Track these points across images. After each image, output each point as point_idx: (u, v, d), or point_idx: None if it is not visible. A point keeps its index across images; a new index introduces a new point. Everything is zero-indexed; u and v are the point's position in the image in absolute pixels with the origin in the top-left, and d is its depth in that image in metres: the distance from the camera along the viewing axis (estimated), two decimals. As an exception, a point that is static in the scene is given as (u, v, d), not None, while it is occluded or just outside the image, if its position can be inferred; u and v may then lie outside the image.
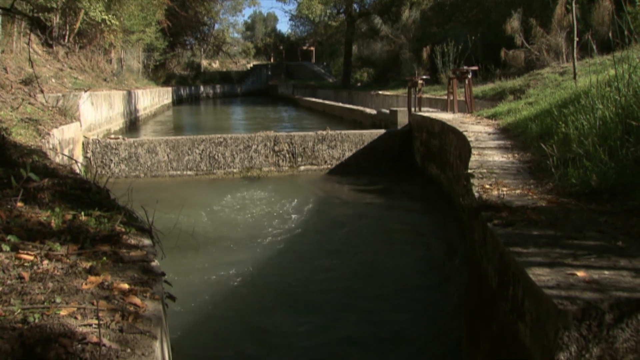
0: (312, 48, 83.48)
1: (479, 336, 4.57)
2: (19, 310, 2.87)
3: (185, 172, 15.66)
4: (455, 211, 11.11)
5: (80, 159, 14.43)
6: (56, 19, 25.20)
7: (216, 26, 68.20)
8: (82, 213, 4.71)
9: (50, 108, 14.47)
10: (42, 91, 15.23)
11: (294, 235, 10.40)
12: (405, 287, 8.12)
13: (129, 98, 28.08)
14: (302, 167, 16.21)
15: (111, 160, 15.29)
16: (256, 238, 10.15)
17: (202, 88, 63.28)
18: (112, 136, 16.91)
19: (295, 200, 12.82)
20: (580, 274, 3.28)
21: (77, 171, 8.51)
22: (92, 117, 19.19)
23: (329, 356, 6.27)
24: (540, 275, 3.25)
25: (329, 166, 16.34)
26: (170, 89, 47.57)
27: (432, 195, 13.45)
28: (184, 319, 6.78)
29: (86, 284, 3.31)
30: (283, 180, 15.49)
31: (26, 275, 3.37)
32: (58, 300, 3.05)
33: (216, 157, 15.74)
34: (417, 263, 9.20)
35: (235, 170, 15.89)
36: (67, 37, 26.45)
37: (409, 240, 10.35)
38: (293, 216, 11.63)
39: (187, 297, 7.15)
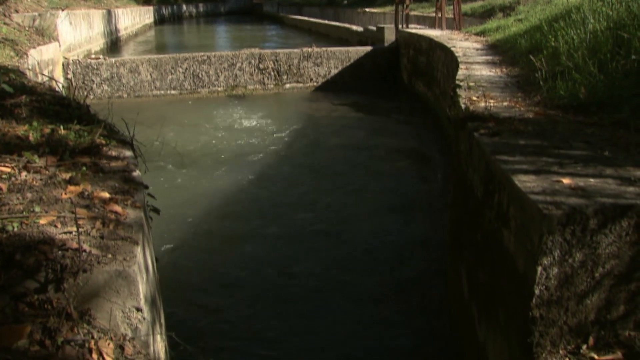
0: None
1: (463, 246, 4.60)
2: (-3, 220, 2.82)
3: (168, 92, 15.41)
4: (442, 128, 11.07)
5: (61, 80, 14.11)
6: None
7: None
8: (61, 127, 4.60)
9: (26, 28, 14.00)
10: (17, 11, 14.72)
11: (279, 154, 10.36)
12: (390, 203, 8.16)
13: (109, 17, 27.31)
14: (287, 85, 16.00)
15: (93, 81, 14.98)
16: (240, 157, 10.10)
17: (184, 7, 61.68)
18: (93, 56, 16.50)
19: (281, 119, 12.71)
20: (566, 181, 3.26)
21: (57, 90, 8.31)
22: (71, 38, 18.66)
23: (310, 266, 6.34)
24: (525, 182, 3.22)
25: (315, 84, 16.13)
26: (151, 8, 46.31)
27: (419, 112, 13.37)
28: (168, 233, 6.79)
29: (66, 193, 3.24)
30: (268, 98, 15.31)
31: (4, 186, 3.29)
32: (37, 209, 2.99)
33: (200, 75, 15.47)
34: (403, 179, 9.22)
35: (219, 89, 15.66)
36: (41, -49, 25.37)
37: (395, 157, 10.35)
38: (278, 135, 11.55)
39: (171, 212, 7.15)
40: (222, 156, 10.10)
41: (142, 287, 2.68)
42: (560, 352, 3.13)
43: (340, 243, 6.93)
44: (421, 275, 6.28)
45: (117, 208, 3.05)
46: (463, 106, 5.10)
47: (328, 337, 5.32)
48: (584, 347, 3.15)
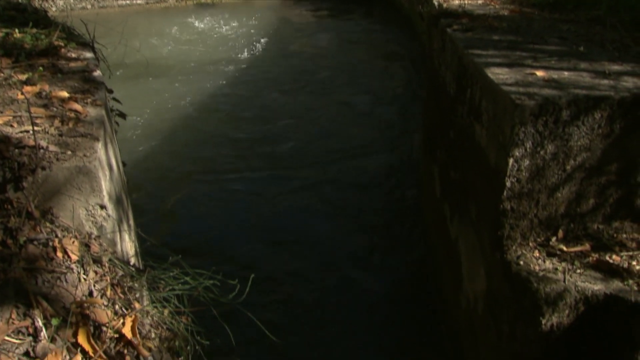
0: None
1: (437, 146, 4.57)
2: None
3: (135, 1, 14.83)
4: (415, 33, 10.86)
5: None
6: None
7: None
8: (17, 30, 4.37)
9: None
10: None
11: (249, 62, 10.11)
12: (363, 107, 8.06)
13: None
14: (258, -7, 15.48)
15: (54, -11, 14.32)
16: (209, 65, 9.84)
17: None
18: (53, -38, 15.70)
19: (251, 27, 12.35)
20: (540, 73, 3.19)
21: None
22: (28, -58, 17.69)
23: (275, 161, 6.30)
24: (498, 74, 3.15)
25: (287, -9, 15.62)
26: None
27: (392, 17, 13.07)
28: (135, 138, 6.68)
29: (22, 93, 3.10)
30: (238, 6, 14.81)
31: (-44, 88, 3.14)
32: (-8, 110, 2.86)
33: (167, -17, 14.87)
34: (373, 78, 9.07)
35: (187, -3, 15.11)
36: None
37: (365, 59, 10.15)
38: (248, 43, 11.25)
39: (137, 118, 6.99)
40: (190, 65, 9.84)
41: (105, 184, 2.60)
42: (530, 244, 3.15)
43: (307, 138, 6.88)
44: (392, 165, 6.29)
45: (77, 106, 2.93)
46: (436, 3, 4.95)
47: (295, 233, 5.34)
48: (554, 239, 3.18)
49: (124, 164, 3.87)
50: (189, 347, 2.87)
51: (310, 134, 7.10)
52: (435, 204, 4.66)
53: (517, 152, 2.88)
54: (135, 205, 3.95)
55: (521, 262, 3.01)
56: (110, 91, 3.92)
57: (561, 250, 3.13)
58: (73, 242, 2.50)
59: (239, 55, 10.41)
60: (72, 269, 2.44)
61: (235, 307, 2.85)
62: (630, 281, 2.94)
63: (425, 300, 4.73)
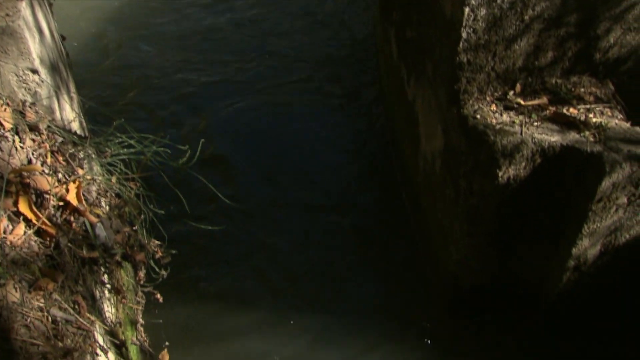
0: None
1: (393, 8, 4.36)
2: None
3: None
4: None
5: None
6: None
7: None
8: None
9: None
10: None
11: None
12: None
13: None
14: None
15: None
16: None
17: None
18: None
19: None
20: None
21: None
22: None
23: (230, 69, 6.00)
24: None
25: None
26: None
27: None
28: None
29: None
30: None
31: None
32: None
33: None
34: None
35: None
36: None
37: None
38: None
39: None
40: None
41: (35, 47, 2.41)
42: (487, 98, 3.08)
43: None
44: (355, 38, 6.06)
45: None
46: None
47: (260, 135, 5.17)
48: (511, 93, 3.12)
49: (63, 38, 3.62)
50: (142, 216, 2.81)
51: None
52: (392, 69, 4.53)
53: (473, 1, 2.74)
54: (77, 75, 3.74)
55: (478, 116, 2.95)
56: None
57: (518, 103, 3.07)
58: (5, 109, 2.35)
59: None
60: (6, 137, 2.30)
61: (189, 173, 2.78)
62: (587, 132, 2.92)
63: (385, 169, 4.70)
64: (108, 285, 2.56)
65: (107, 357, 2.75)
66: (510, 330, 3.55)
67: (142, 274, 3.06)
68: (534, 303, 3.48)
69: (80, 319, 2.15)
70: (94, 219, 2.32)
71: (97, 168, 2.71)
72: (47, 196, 2.24)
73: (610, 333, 3.46)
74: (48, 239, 2.19)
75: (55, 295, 2.09)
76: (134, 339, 3.18)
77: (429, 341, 3.54)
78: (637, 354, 3.39)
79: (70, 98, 3.06)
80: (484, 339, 3.55)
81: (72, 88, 3.22)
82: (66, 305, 2.13)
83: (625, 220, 3.01)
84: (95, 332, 2.55)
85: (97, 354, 2.56)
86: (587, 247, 3.04)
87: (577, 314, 3.45)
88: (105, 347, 2.65)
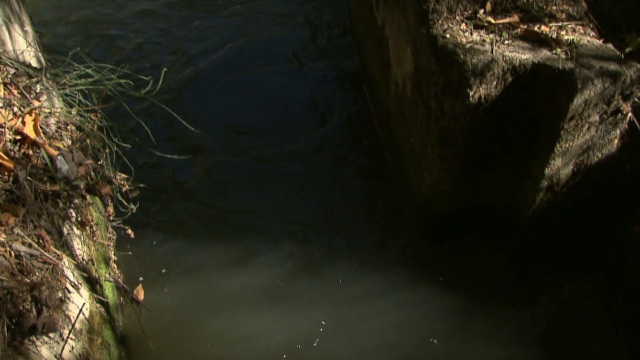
0: None
1: None
2: None
3: None
4: None
5: None
6: None
7: None
8: None
9: None
10: None
11: None
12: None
13: None
14: None
15: None
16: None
17: None
18: None
19: None
20: None
21: None
22: None
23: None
24: None
25: None
26: None
27: None
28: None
29: None
30: None
31: None
32: None
33: None
34: None
35: None
36: None
37: None
38: None
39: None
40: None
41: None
42: (457, 18, 3.00)
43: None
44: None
45: None
46: None
47: (227, 67, 5.01)
48: (481, 12, 3.04)
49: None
50: (107, 150, 2.74)
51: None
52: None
53: None
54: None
55: (447, 36, 2.87)
56: None
57: (489, 22, 3.00)
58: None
59: None
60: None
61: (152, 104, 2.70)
62: (559, 50, 2.87)
63: (358, 98, 4.63)
64: (74, 220, 2.50)
65: (79, 294, 2.72)
66: (483, 254, 3.58)
67: (111, 209, 3.01)
68: (507, 227, 3.50)
69: (46, 254, 2.10)
70: (53, 151, 2.24)
71: (57, 101, 2.62)
72: (1, 129, 2.15)
73: (580, 257, 3.51)
74: (6, 173, 2.11)
75: (18, 230, 2.04)
76: (108, 275, 3.15)
77: (403, 266, 3.55)
78: (607, 280, 3.44)
79: (25, 31, 2.92)
80: (458, 263, 3.58)
81: (27, 21, 3.07)
82: (30, 240, 2.08)
83: (597, 139, 3.00)
84: (64, 268, 2.51)
85: (69, 291, 2.53)
86: (559, 166, 3.03)
87: (549, 237, 3.47)
88: (76, 283, 2.62)
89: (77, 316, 2.45)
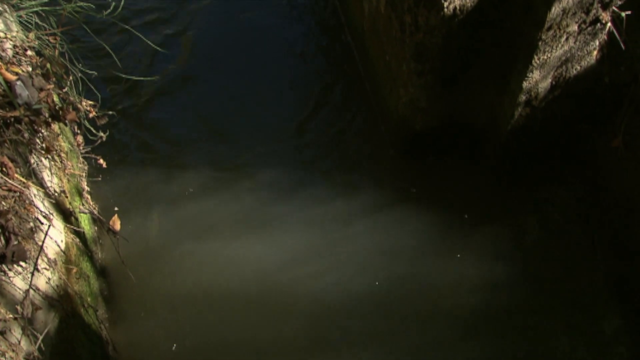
0: None
1: None
2: None
3: None
4: None
5: None
6: None
7: None
8: None
9: None
10: None
11: None
12: None
13: None
14: None
15: None
16: None
17: None
18: None
19: None
20: None
21: None
22: None
23: None
24: None
25: None
26: None
27: None
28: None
29: None
30: None
31: None
32: None
33: None
34: None
35: None
36: None
37: None
38: None
39: None
40: None
41: None
42: None
43: None
44: None
45: None
46: None
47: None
48: None
49: None
50: (71, 77, 2.64)
51: None
52: None
53: None
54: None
55: (421, -57, 2.76)
56: None
57: None
58: None
59: None
60: None
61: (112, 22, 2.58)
62: (534, -44, 2.77)
63: (334, 24, 4.48)
64: (39, 147, 2.42)
65: (53, 225, 2.67)
66: (463, 171, 3.55)
67: (80, 138, 2.94)
68: (487, 144, 3.47)
69: (10, 181, 2.03)
70: (11, 76, 2.15)
71: (13, 25, 2.50)
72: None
73: (560, 173, 3.50)
74: (-38, 100, 2.03)
75: (-23, 158, 1.97)
76: (82, 207, 3.10)
77: (382, 186, 3.53)
78: (586, 195, 3.44)
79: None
80: (437, 181, 3.55)
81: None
82: (-9, 168, 2.01)
83: (576, 51, 2.94)
84: (33, 198, 2.46)
85: (40, 222, 2.48)
86: (538, 79, 2.98)
87: (529, 153, 3.45)
88: (47, 213, 2.56)
89: (43, 245, 2.40)
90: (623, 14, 2.77)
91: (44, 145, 2.39)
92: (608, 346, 3.10)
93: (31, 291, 2.26)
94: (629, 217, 3.18)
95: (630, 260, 3.19)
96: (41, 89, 2.24)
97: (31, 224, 2.38)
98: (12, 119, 2.14)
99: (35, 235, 2.36)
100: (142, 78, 2.88)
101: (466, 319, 3.16)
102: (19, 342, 2.03)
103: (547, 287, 3.25)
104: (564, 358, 3.07)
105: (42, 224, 2.47)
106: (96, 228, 3.33)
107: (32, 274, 2.15)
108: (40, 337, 2.17)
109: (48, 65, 2.39)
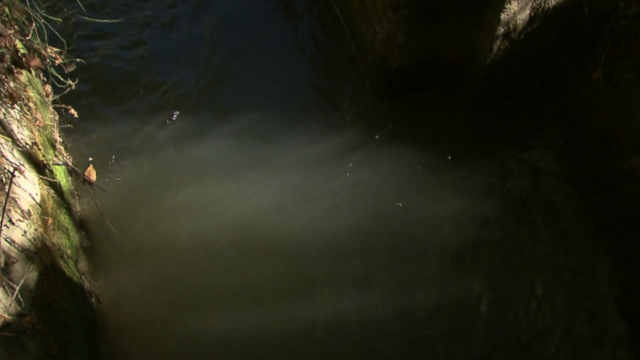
0: None
1: None
2: None
3: None
4: None
5: None
6: None
7: None
8: None
9: None
10: None
11: None
12: None
13: None
14: None
15: None
16: None
17: None
18: None
19: None
20: None
21: None
22: None
23: None
24: None
25: None
26: None
27: None
28: None
29: None
30: None
31: None
32: None
33: None
34: None
35: None
36: None
37: None
38: None
39: None
40: None
41: None
42: None
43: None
44: None
45: None
46: None
47: None
48: None
49: None
50: (34, 23, 2.54)
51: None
52: None
53: None
54: None
55: None
56: None
57: None
58: None
59: None
60: None
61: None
62: None
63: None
64: (3, 94, 2.34)
65: (25, 176, 2.62)
66: (444, 107, 3.50)
67: (48, 87, 2.85)
68: (464, 80, 3.41)
69: (-27, 131, 1.97)
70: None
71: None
72: None
73: (540, 106, 3.46)
74: None
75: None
76: (56, 159, 3.03)
77: (363, 125, 3.47)
78: (567, 127, 3.41)
79: None
80: (419, 118, 3.50)
81: None
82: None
83: (555, -21, 2.86)
84: (2, 150, 2.40)
85: (12, 175, 2.42)
86: (515, 11, 2.90)
87: (509, 87, 3.40)
88: (18, 164, 2.50)
89: (9, 193, 2.35)
90: (601, -60, 2.70)
91: (8, 91, 2.31)
92: (589, 274, 3.12)
93: (5, 243, 2.22)
94: (609, 148, 3.17)
95: (609, 191, 3.19)
96: (0, 35, 2.16)
97: (3, 178, 2.32)
98: (-29, 66, 2.06)
99: (5, 187, 2.31)
100: (106, 21, 2.77)
101: (454, 254, 3.17)
102: (-5, 294, 2.00)
103: (531, 221, 3.25)
104: (548, 292, 3.09)
105: (13, 176, 2.41)
106: (72, 180, 3.27)
107: (1, 224, 2.09)
108: (17, 287, 2.14)
109: (7, 10, 2.29)
